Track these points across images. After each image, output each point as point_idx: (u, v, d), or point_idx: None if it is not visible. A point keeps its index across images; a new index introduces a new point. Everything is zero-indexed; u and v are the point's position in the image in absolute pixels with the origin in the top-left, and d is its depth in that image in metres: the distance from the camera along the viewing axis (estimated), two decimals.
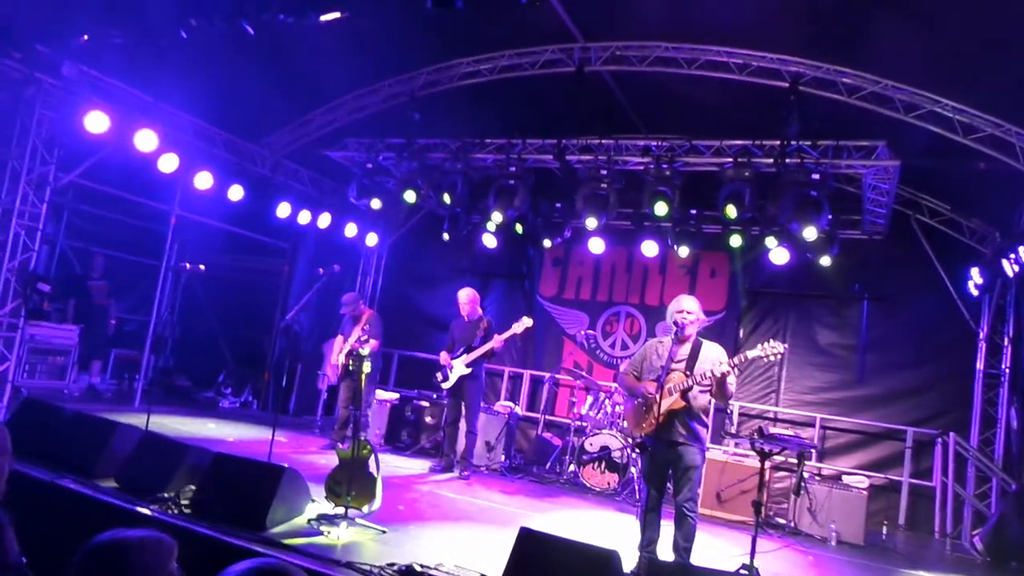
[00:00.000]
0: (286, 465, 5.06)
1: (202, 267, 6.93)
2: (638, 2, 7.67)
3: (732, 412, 9.42)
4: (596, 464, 8.15)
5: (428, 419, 9.32)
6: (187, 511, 4.79)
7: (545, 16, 7.61)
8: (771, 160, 7.60)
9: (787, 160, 7.45)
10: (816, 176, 7.20)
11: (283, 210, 9.92)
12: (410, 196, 9.07)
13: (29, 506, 1.57)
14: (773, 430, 6.97)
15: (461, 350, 7.97)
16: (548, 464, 8.85)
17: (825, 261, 8.46)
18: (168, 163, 8.43)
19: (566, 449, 8.84)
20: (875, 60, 7.07)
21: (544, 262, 11.36)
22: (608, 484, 8.05)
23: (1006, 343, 8.68)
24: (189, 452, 5.22)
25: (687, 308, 5.06)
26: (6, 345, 7.54)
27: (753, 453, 8.61)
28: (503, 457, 8.83)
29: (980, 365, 8.80)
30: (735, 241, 8.93)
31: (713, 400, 5.06)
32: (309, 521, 5.03)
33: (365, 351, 5.21)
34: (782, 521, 7.64)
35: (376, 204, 9.52)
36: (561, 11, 7.68)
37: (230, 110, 9.01)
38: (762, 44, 7.55)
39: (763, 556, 4.79)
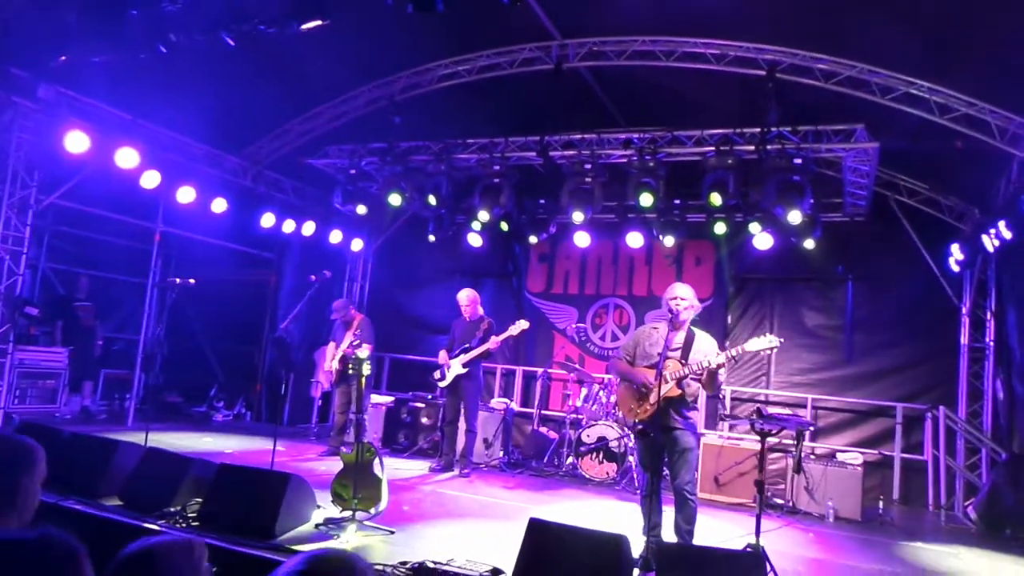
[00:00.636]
0: (291, 472, 5.08)
1: (192, 281, 6.91)
2: None
3: (724, 397, 9.55)
4: (594, 455, 8.22)
5: (424, 420, 9.35)
6: (195, 524, 4.80)
7: (522, 15, 7.65)
8: (752, 147, 7.69)
9: (768, 147, 7.55)
10: (798, 161, 7.32)
11: (267, 220, 9.91)
12: (395, 199, 9.09)
13: None
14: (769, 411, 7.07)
15: (459, 350, 8.01)
16: (546, 458, 8.92)
17: (809, 244, 8.60)
18: (150, 179, 8.41)
19: (563, 442, 8.91)
20: (850, 45, 7.18)
21: (530, 259, 11.43)
22: (607, 474, 8.12)
23: (988, 317, 8.86)
24: (193, 465, 5.22)
25: (681, 295, 5.14)
26: None
27: (748, 436, 8.79)
28: (501, 453, 8.89)
29: (964, 340, 8.98)
30: (719, 229, 9.03)
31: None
32: (317, 526, 5.06)
33: (364, 353, 5.24)
34: (780, 501, 7.76)
35: (362, 210, 9.54)
36: (538, 9, 7.73)
37: (209, 123, 8.98)
38: (738, 34, 7.64)
39: (764, 535, 4.87)
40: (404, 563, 4.30)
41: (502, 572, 4.29)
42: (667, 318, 5.15)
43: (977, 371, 8.89)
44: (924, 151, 8.01)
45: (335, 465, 6.92)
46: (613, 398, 8.57)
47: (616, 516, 6.52)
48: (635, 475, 7.94)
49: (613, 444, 8.18)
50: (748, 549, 4.44)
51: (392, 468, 7.75)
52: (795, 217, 7.56)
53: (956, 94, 7.14)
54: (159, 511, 4.91)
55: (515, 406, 10.10)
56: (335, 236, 10.94)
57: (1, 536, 1.57)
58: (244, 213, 9.71)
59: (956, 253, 8.55)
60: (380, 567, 4.19)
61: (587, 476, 8.19)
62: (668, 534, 5.04)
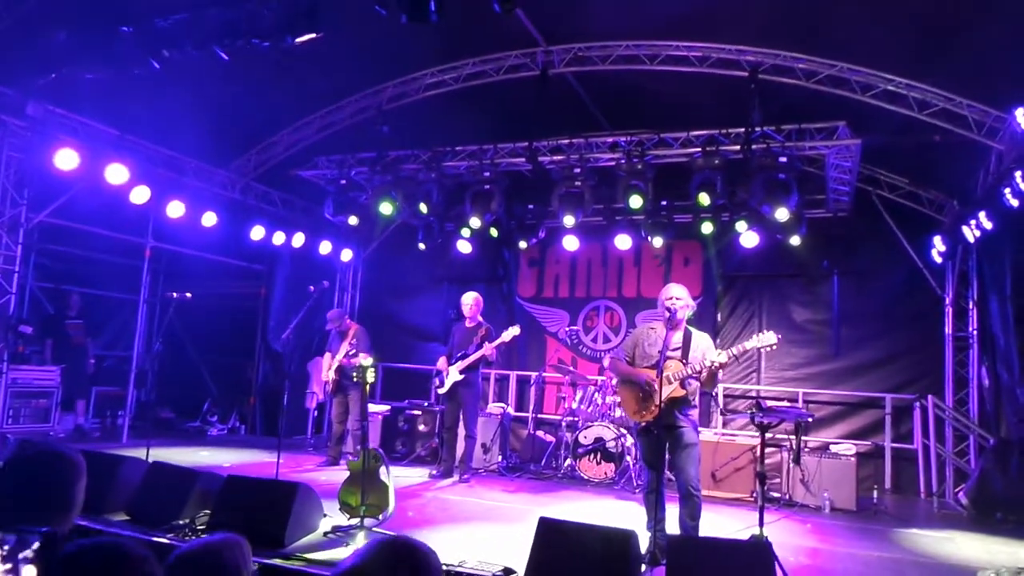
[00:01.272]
0: (299, 482, 5.11)
1: (189, 295, 6.93)
2: (597, 2, 7.85)
3: (717, 395, 9.68)
4: (592, 456, 8.30)
5: (422, 427, 9.39)
6: (204, 536, 4.81)
7: (507, 22, 7.72)
8: (738, 147, 7.83)
9: (753, 146, 7.69)
10: (783, 159, 7.46)
11: (257, 233, 9.93)
12: (386, 208, 9.14)
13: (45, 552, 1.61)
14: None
15: (457, 357, 8.06)
16: (544, 460, 8.99)
17: (795, 241, 8.76)
18: (140, 195, 8.42)
19: (559, 444, 8.98)
20: (830, 45, 7.34)
21: (520, 264, 11.51)
22: (605, 474, 8.20)
23: (971, 307, 9.06)
24: (199, 477, 5.24)
25: (676, 295, 5.23)
26: None
27: (742, 432, 8.92)
28: (500, 458, 8.94)
29: (948, 329, 9.18)
30: (706, 228, 9.18)
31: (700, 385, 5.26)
32: (325, 534, 5.09)
33: (368, 361, 5.29)
34: (776, 495, 7.86)
35: (354, 220, 9.58)
36: (523, 16, 7.83)
37: (198, 137, 8.97)
38: (720, 36, 7.78)
39: (764, 527, 4.98)
40: None
41: (514, 572, 4.36)
42: (663, 318, 5.24)
43: (962, 360, 9.08)
44: (904, 146, 8.20)
45: (336, 475, 6.99)
46: (609, 399, 8.67)
47: (617, 515, 6.60)
48: (633, 474, 8.03)
49: (610, 445, 8.26)
50: (753, 539, 4.53)
51: (393, 476, 7.77)
52: (782, 214, 7.71)
53: (934, 89, 7.32)
54: (167, 524, 4.93)
55: (511, 410, 10.16)
56: (325, 247, 10.97)
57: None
58: (234, 226, 9.72)
59: (938, 245, 8.76)
60: None
61: (586, 477, 8.26)
62: (672, 529, 5.12)
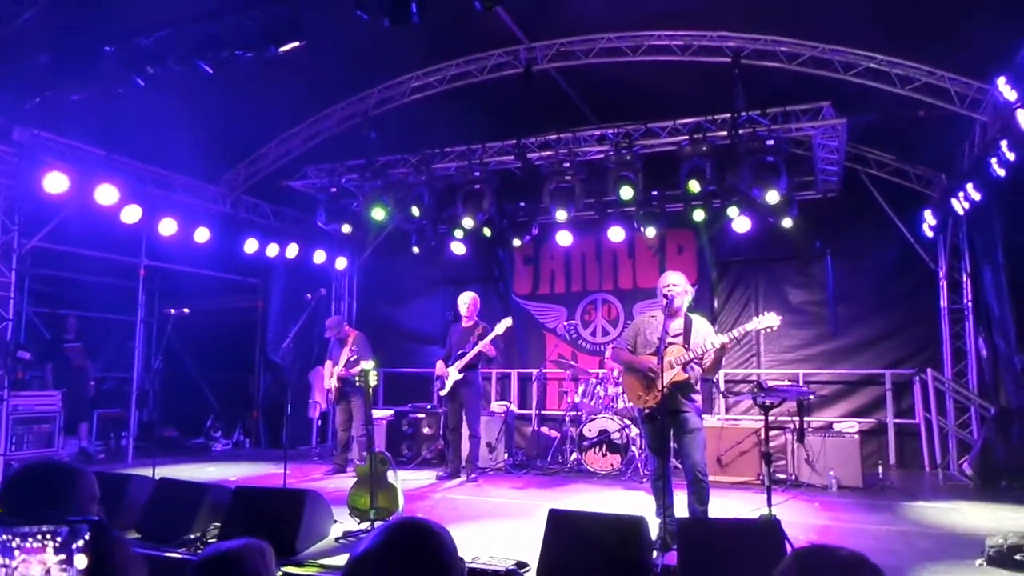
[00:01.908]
0: (307, 489, 5.13)
1: (187, 310, 6.93)
2: None
3: (718, 381, 9.71)
4: (597, 448, 8.32)
5: (426, 430, 9.40)
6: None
7: (488, 21, 7.75)
8: (725, 133, 7.87)
9: (740, 131, 7.73)
10: (771, 142, 7.49)
11: (250, 246, 9.93)
12: (378, 214, 9.15)
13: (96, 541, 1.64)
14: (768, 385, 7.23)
15: (455, 357, 8.07)
16: (549, 456, 9.01)
17: (786, 223, 8.79)
18: (131, 214, 8.40)
19: (564, 439, 9.00)
20: (811, 27, 7.39)
21: (515, 262, 11.53)
22: (611, 466, 8.23)
23: (965, 278, 9.11)
24: (209, 491, 5.25)
25: (672, 282, 5.26)
26: None
27: (745, 416, 8.96)
28: (506, 455, 8.97)
29: (943, 303, 9.23)
30: (698, 216, 9.20)
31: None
32: (337, 540, 5.11)
33: (370, 365, 5.31)
34: (783, 476, 7.90)
35: (347, 229, 9.59)
36: (503, 15, 7.86)
37: (186, 153, 8.97)
38: (701, 23, 7.83)
39: (773, 508, 5.02)
40: None
41: (527, 565, 4.38)
42: (662, 306, 5.27)
43: (959, 332, 9.14)
44: (890, 123, 8.25)
45: (343, 482, 6.99)
46: (611, 390, 8.69)
47: (626, 504, 6.63)
48: (639, 464, 8.06)
49: (615, 436, 8.29)
50: (762, 518, 4.56)
51: (400, 479, 7.80)
52: (773, 197, 7.73)
53: (915, 64, 7.38)
54: (179, 539, 4.93)
55: (514, 408, 10.17)
56: (319, 256, 10.97)
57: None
58: (227, 240, 9.72)
59: (928, 219, 8.82)
60: None
61: (592, 470, 8.29)
62: (681, 515, 5.15)
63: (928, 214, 8.81)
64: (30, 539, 1.46)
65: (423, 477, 8.21)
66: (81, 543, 1.46)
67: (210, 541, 4.93)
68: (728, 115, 7.92)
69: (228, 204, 10.13)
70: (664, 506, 5.10)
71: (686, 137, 8.08)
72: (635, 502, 6.63)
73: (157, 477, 5.93)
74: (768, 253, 9.94)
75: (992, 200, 7.36)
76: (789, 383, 8.35)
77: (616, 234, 9.82)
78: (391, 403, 11.15)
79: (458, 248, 10.43)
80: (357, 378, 5.38)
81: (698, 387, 5.26)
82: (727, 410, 9.68)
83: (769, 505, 4.65)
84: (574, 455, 8.58)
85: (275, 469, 8.23)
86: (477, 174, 8.77)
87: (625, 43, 8.25)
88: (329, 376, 8.50)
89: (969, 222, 8.61)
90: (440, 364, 8.16)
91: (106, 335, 11.66)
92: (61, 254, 9.57)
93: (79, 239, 9.29)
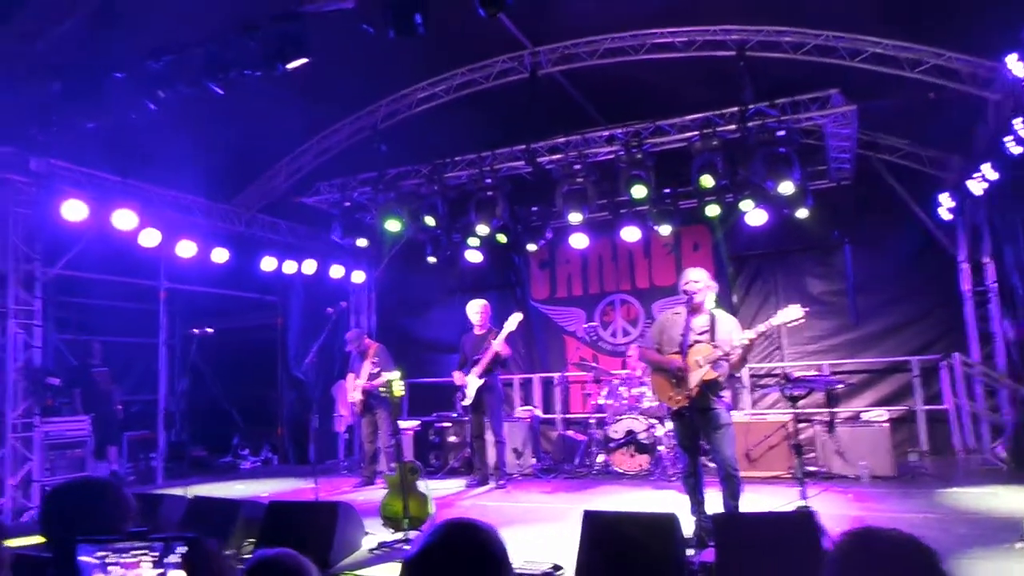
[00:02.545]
0: (339, 502, 5.14)
1: (210, 330, 6.99)
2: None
3: (741, 376, 9.64)
4: (625, 449, 8.29)
5: (452, 438, 9.41)
6: None
7: (492, 28, 7.79)
8: (734, 126, 7.84)
9: (749, 123, 7.69)
10: (781, 133, 7.45)
11: (267, 264, 10.02)
12: (393, 225, 9.19)
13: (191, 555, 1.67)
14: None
15: (471, 364, 8.08)
16: (577, 460, 8.98)
17: (801, 214, 8.72)
18: (149, 238, 8.49)
19: (591, 442, 8.97)
20: (814, 15, 7.35)
21: (531, 267, 11.54)
22: (640, 466, 8.19)
23: (986, 260, 9.00)
24: (242, 507, 5.28)
25: (693, 278, 5.25)
26: (25, 444, 7.52)
27: (771, 411, 8.90)
28: (533, 460, 8.95)
29: (966, 286, 9.12)
30: (712, 211, 9.16)
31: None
32: (371, 551, 5.12)
33: (395, 375, 5.32)
34: (813, 469, 7.82)
35: (363, 242, 9.65)
36: (506, 21, 7.89)
37: (199, 175, 9.08)
38: (703, 18, 7.81)
39: (806, 502, 4.98)
40: None
41: (562, 568, 4.37)
42: (684, 303, 5.26)
43: (983, 314, 9.02)
44: (900, 108, 8.19)
45: (372, 494, 7.02)
46: (635, 391, 8.65)
47: (657, 504, 6.60)
48: (668, 463, 8.01)
49: (642, 436, 8.24)
50: (798, 510, 4.52)
51: (429, 489, 7.81)
52: (786, 188, 7.68)
53: (923, 47, 7.31)
54: None
55: (539, 413, 10.15)
56: (336, 271, 11.04)
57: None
58: (244, 259, 9.82)
59: (945, 202, 8.73)
60: None
61: (621, 471, 8.25)
62: (713, 511, 5.12)
63: (944, 197, 8.72)
64: (125, 555, 1.49)
65: (452, 486, 8.21)
66: (177, 558, 1.48)
67: (245, 557, 4.96)
68: (736, 108, 7.89)
69: (244, 223, 10.22)
70: (697, 503, 5.08)
71: (696, 133, 8.05)
72: (666, 501, 6.61)
73: (189, 496, 5.99)
74: (785, 245, 9.88)
75: (1010, 180, 7.28)
76: (816, 374, 8.27)
77: (631, 234, 9.80)
78: (415, 414, 11.17)
79: (473, 256, 10.46)
80: (382, 389, 5.40)
81: (726, 383, 5.24)
82: (753, 405, 9.62)
83: (803, 495, 4.61)
84: (601, 457, 8.55)
85: (303, 484, 8.28)
86: (488, 181, 8.78)
87: (628, 43, 8.25)
88: (352, 389, 8.53)
89: (987, 203, 8.51)
90: (458, 374, 8.17)
91: (130, 359, 11.76)
92: (83, 281, 9.70)
93: (99, 265, 9.41)
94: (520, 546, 5.16)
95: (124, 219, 8.08)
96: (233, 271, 10.06)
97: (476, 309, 8.28)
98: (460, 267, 10.99)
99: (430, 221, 9.08)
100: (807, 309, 4.99)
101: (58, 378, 8.08)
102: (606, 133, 8.73)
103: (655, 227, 9.53)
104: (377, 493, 5.71)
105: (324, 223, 10.30)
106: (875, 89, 7.63)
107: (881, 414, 8.07)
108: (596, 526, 4.20)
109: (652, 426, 8.20)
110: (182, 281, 10.29)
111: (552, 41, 8.50)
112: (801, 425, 8.89)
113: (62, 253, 8.47)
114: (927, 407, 8.89)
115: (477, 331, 8.27)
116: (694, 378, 4.88)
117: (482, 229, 8.97)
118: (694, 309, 5.21)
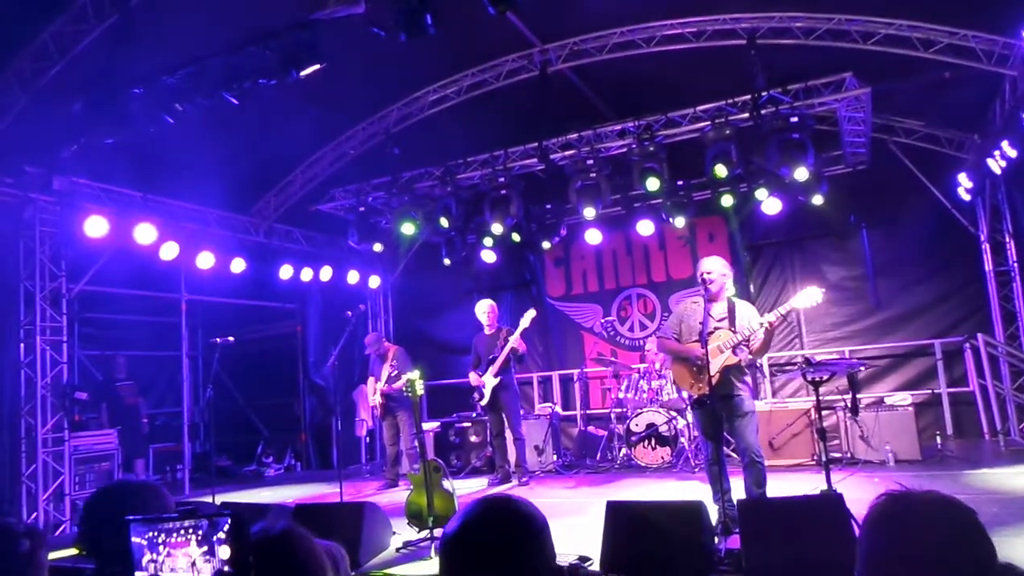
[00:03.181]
0: (365, 502, 5.19)
1: (232, 339, 7.07)
2: None
3: (761, 365, 9.59)
4: (646, 442, 8.27)
5: (473, 438, 9.44)
6: None
7: (501, 27, 7.84)
8: (747, 114, 7.80)
9: (762, 111, 7.66)
10: (795, 119, 7.42)
11: (285, 272, 10.11)
12: (408, 228, 9.25)
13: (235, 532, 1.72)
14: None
15: (486, 364, 8.10)
16: (598, 454, 8.97)
17: (817, 200, 8.68)
18: (169, 251, 8.60)
19: (612, 436, 8.96)
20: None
21: (546, 265, 11.56)
22: (662, 459, 8.17)
23: (1008, 239, 8.90)
24: (269, 512, 5.32)
25: (708, 268, 5.24)
26: (56, 459, 7.63)
27: (792, 400, 8.84)
28: (555, 457, 8.96)
29: (988, 266, 9.03)
30: (727, 201, 9.14)
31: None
32: (397, 550, 5.16)
33: (415, 375, 5.35)
34: (838, 455, 7.76)
35: (378, 247, 9.72)
36: (515, 19, 7.92)
37: (216, 187, 9.18)
38: (712, 8, 7.80)
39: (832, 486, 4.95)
40: None
41: (589, 559, 4.38)
42: (701, 293, 5.25)
43: (1007, 294, 8.93)
44: (915, 89, 8.11)
45: (396, 495, 7.07)
46: (655, 383, 8.64)
47: (681, 494, 6.59)
48: (690, 455, 7.99)
49: (663, 429, 8.23)
50: (823, 493, 4.50)
51: (454, 487, 7.85)
52: (801, 174, 7.65)
53: (936, 26, 7.25)
54: None
55: (559, 410, 10.16)
56: (352, 276, 11.11)
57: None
58: (262, 269, 9.91)
59: (964, 182, 8.63)
60: None
61: (643, 464, 8.24)
62: (738, 498, 5.10)
63: (963, 177, 8.63)
64: (174, 535, 1.55)
65: (475, 485, 8.23)
66: (222, 535, 1.53)
67: None
68: (749, 96, 7.85)
69: (261, 233, 10.32)
70: (721, 491, 5.07)
71: (708, 123, 8.03)
72: (689, 492, 6.59)
73: (218, 503, 6.07)
74: (801, 232, 9.83)
75: None
76: (837, 358, 8.22)
77: (645, 227, 9.79)
78: (435, 415, 11.21)
79: (488, 256, 10.49)
80: (404, 388, 5.43)
81: (747, 369, 5.23)
82: (774, 393, 9.57)
83: (828, 482, 4.59)
84: (623, 451, 8.55)
85: (328, 489, 8.34)
86: (502, 180, 8.82)
87: (638, 36, 8.25)
88: (372, 393, 8.58)
89: (1008, 181, 8.42)
90: (473, 375, 8.21)
91: (155, 372, 11.92)
92: (105, 296, 9.84)
93: (121, 280, 9.55)
94: None
95: (144, 233, 8.20)
96: (251, 281, 10.17)
97: (484, 309, 8.33)
98: (475, 268, 11.02)
99: (444, 222, 9.12)
100: (823, 290, 4.96)
101: (86, 393, 8.18)
102: (618, 127, 8.72)
103: (669, 219, 9.51)
104: (400, 495, 5.74)
105: (339, 230, 10.37)
106: (889, 72, 7.56)
107: (905, 398, 8.00)
108: (620, 516, 4.20)
109: (673, 418, 8.18)
110: (202, 293, 10.42)
111: (561, 38, 8.52)
112: (824, 412, 8.86)
113: (85, 269, 8.59)
114: (952, 389, 8.81)
115: (487, 331, 8.31)
116: (716, 364, 4.87)
117: (497, 228, 9.00)
118: (712, 298, 5.21)
